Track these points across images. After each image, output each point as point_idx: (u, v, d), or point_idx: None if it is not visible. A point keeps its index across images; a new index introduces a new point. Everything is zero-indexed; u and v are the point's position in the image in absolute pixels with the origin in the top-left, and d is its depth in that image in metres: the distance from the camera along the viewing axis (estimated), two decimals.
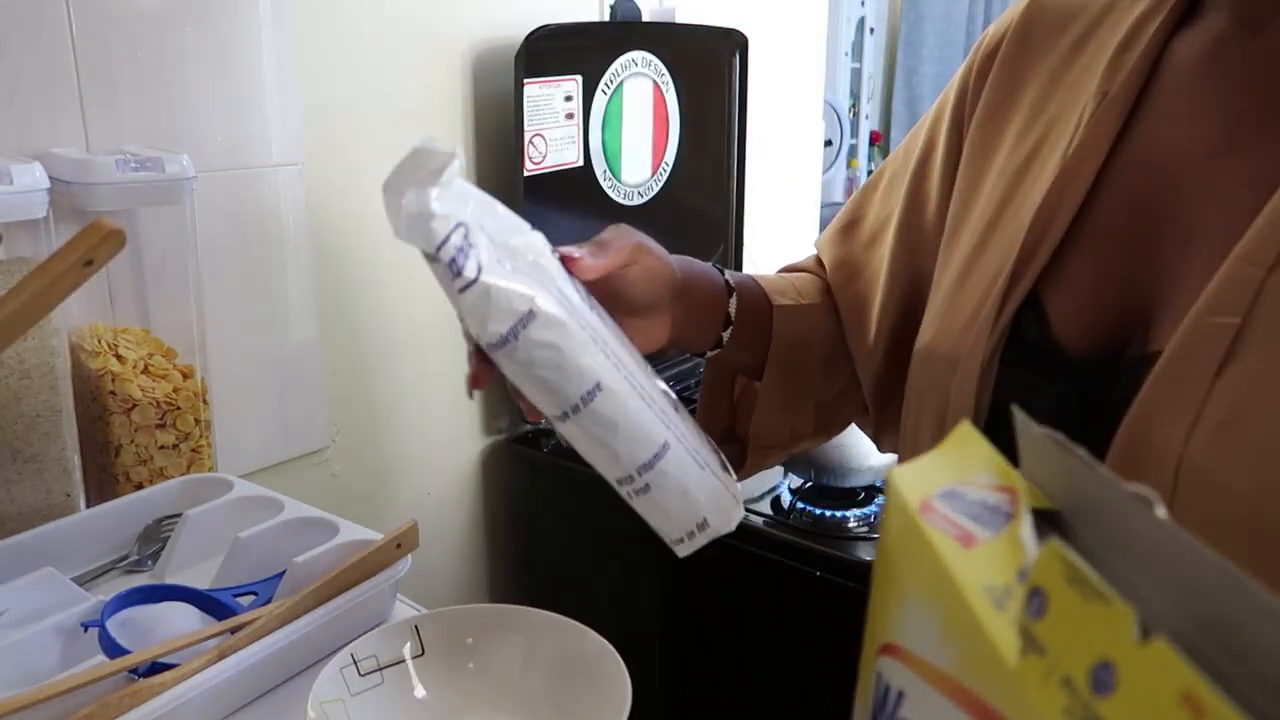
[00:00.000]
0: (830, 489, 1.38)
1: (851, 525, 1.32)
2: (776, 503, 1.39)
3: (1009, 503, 0.23)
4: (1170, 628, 0.19)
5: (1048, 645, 0.19)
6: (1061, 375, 0.60)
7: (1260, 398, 0.48)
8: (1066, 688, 0.19)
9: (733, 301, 0.71)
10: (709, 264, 0.72)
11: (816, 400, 0.78)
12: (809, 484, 1.40)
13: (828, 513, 1.34)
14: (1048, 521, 0.24)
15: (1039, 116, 0.65)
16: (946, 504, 0.25)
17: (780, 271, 0.84)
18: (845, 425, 0.82)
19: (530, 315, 0.50)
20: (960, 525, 0.24)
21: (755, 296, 0.74)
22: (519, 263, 0.53)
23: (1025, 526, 0.22)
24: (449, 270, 0.49)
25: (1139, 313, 0.56)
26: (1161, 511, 0.20)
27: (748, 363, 0.74)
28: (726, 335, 0.71)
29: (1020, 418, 0.26)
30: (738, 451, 0.75)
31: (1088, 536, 0.23)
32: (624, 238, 0.63)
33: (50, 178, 0.87)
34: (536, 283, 0.52)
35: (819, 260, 0.83)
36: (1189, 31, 0.59)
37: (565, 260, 0.57)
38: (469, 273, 0.49)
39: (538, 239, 0.56)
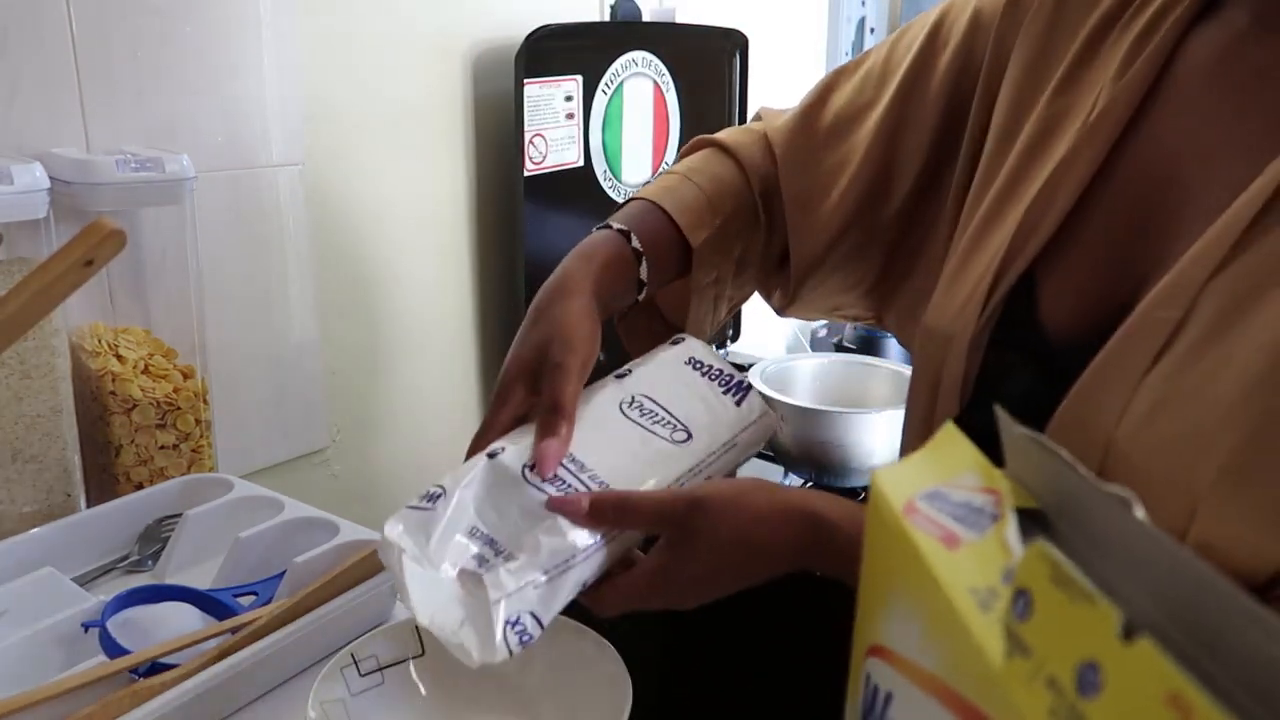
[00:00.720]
0: (831, 488, 1.38)
1: None
2: None
3: (993, 504, 0.23)
4: (1152, 626, 0.19)
5: (1033, 646, 0.19)
6: (1040, 358, 0.60)
7: (1181, 391, 0.50)
8: (1052, 689, 0.19)
9: (643, 268, 0.72)
10: (612, 233, 0.73)
11: (730, 302, 0.82)
12: (810, 484, 1.40)
13: None
14: (1033, 520, 0.24)
15: (1066, 87, 0.64)
16: (931, 505, 0.24)
17: (698, 150, 0.84)
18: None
19: (581, 589, 0.58)
20: (944, 526, 0.23)
21: (665, 240, 0.74)
22: (528, 543, 0.57)
23: (1010, 528, 0.22)
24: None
25: (1127, 303, 0.57)
26: (1140, 512, 0.20)
27: (665, 283, 0.77)
28: (643, 295, 0.73)
29: (1003, 417, 0.26)
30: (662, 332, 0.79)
31: (1072, 535, 0.23)
32: (561, 381, 0.63)
33: (50, 178, 0.87)
34: (560, 565, 0.56)
35: (765, 140, 0.82)
36: (1208, 25, 0.59)
37: (542, 473, 0.61)
38: (537, 635, 0.54)
39: (513, 485, 0.60)
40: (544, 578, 0.55)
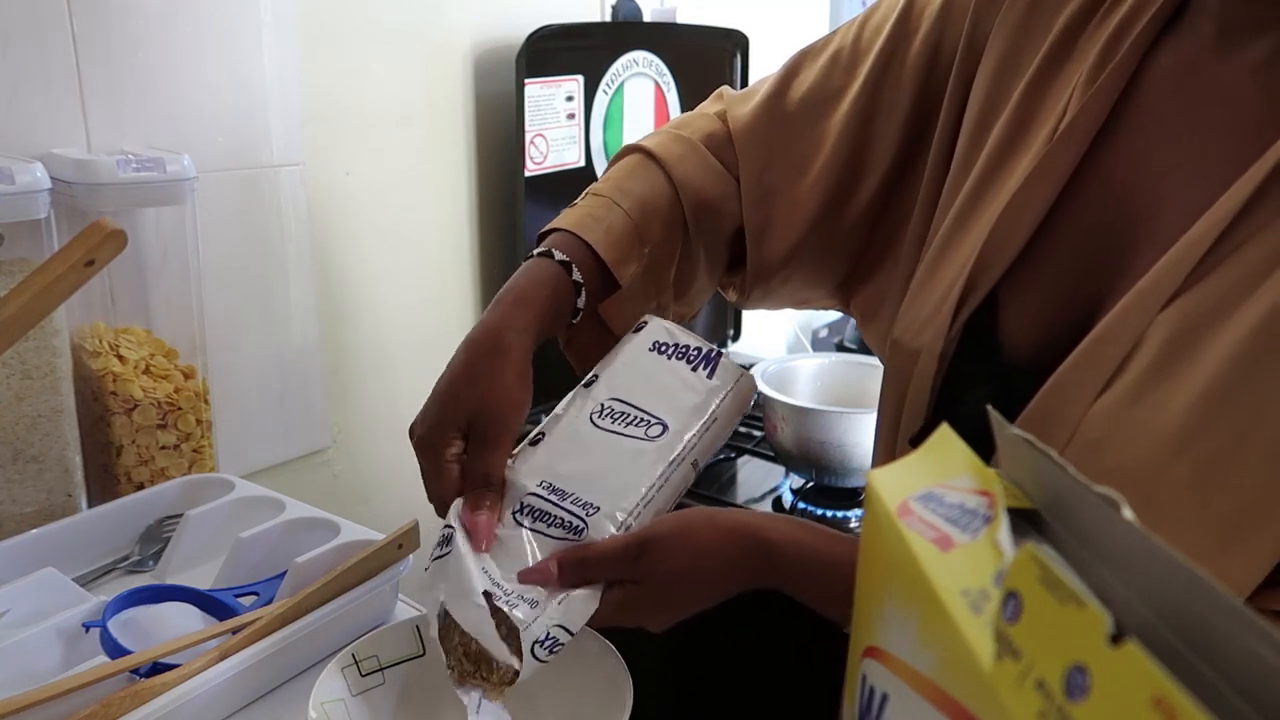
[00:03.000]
0: (831, 489, 1.38)
1: (853, 525, 1.32)
2: (778, 503, 1.39)
3: (987, 505, 0.24)
4: (1143, 626, 0.20)
5: (1022, 649, 0.19)
6: (995, 377, 0.60)
7: (1123, 426, 0.50)
8: (1040, 691, 0.19)
9: (581, 298, 0.71)
10: (553, 266, 0.71)
11: (682, 320, 0.80)
12: (810, 484, 1.40)
13: (829, 512, 1.34)
14: (1028, 521, 0.24)
15: (1038, 86, 0.63)
16: (925, 506, 0.25)
17: (628, 157, 0.81)
18: None
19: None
20: (938, 528, 0.24)
21: (594, 272, 0.73)
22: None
23: (1002, 530, 0.22)
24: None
25: (1086, 325, 0.56)
26: (1128, 513, 0.20)
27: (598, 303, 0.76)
28: (577, 320, 0.73)
29: (996, 417, 0.26)
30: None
31: (1066, 536, 0.23)
32: (492, 451, 0.65)
33: (52, 178, 0.87)
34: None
35: (702, 150, 0.78)
36: (1176, 35, 0.58)
37: (477, 547, 0.64)
38: (568, 641, 0.60)
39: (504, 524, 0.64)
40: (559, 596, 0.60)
